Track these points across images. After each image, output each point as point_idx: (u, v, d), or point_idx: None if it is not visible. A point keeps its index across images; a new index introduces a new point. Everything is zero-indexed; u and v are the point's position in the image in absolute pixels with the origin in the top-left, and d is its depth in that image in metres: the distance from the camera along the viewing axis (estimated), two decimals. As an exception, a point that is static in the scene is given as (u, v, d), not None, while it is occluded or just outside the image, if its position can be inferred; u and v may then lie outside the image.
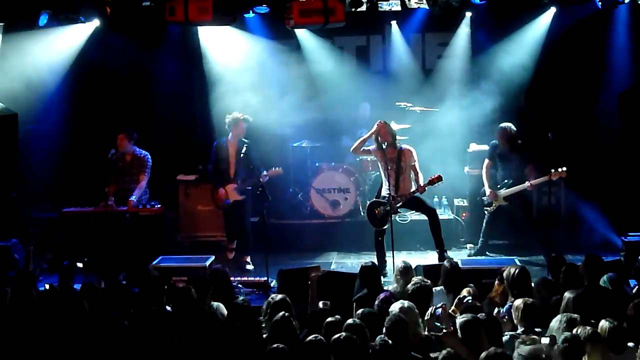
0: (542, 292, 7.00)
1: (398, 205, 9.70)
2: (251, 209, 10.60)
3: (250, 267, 10.43)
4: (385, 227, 9.78)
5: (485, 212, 10.38)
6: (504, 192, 10.12)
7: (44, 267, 10.25)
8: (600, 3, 10.25)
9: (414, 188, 9.72)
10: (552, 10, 11.20)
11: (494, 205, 10.20)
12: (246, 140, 10.29)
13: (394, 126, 10.06)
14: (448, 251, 9.95)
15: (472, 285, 7.33)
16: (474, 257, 10.36)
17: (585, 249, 9.39)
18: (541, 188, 10.38)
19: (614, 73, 11.26)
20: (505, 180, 10.17)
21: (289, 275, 8.59)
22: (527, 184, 9.99)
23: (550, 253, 9.34)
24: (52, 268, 9.93)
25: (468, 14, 11.71)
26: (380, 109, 11.54)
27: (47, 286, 7.37)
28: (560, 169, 9.69)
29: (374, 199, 9.99)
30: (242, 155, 10.20)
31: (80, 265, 8.58)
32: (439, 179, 9.58)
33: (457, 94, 11.59)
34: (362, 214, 11.35)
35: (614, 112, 11.36)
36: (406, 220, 11.01)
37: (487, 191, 10.23)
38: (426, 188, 9.65)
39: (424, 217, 10.09)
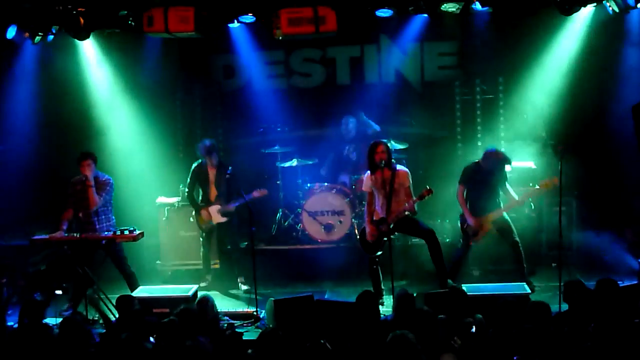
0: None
1: (390, 227, 9.13)
2: (239, 233, 10.44)
3: (245, 287, 10.20)
4: (378, 253, 9.29)
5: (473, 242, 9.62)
6: (491, 215, 9.39)
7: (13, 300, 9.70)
8: (610, 8, 9.83)
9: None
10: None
11: (480, 234, 9.47)
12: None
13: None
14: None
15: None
16: (480, 284, 9.67)
17: (599, 273, 9.01)
18: (551, 208, 10.03)
19: (627, 83, 10.87)
20: None
21: (281, 305, 8.18)
22: (520, 198, 9.37)
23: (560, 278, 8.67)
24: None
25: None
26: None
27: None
28: (549, 179, 9.09)
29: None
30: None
31: (59, 292, 8.42)
32: (430, 192, 8.97)
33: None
34: (357, 237, 10.76)
35: (628, 125, 10.84)
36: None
37: (470, 219, 9.51)
38: (415, 205, 9.12)
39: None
